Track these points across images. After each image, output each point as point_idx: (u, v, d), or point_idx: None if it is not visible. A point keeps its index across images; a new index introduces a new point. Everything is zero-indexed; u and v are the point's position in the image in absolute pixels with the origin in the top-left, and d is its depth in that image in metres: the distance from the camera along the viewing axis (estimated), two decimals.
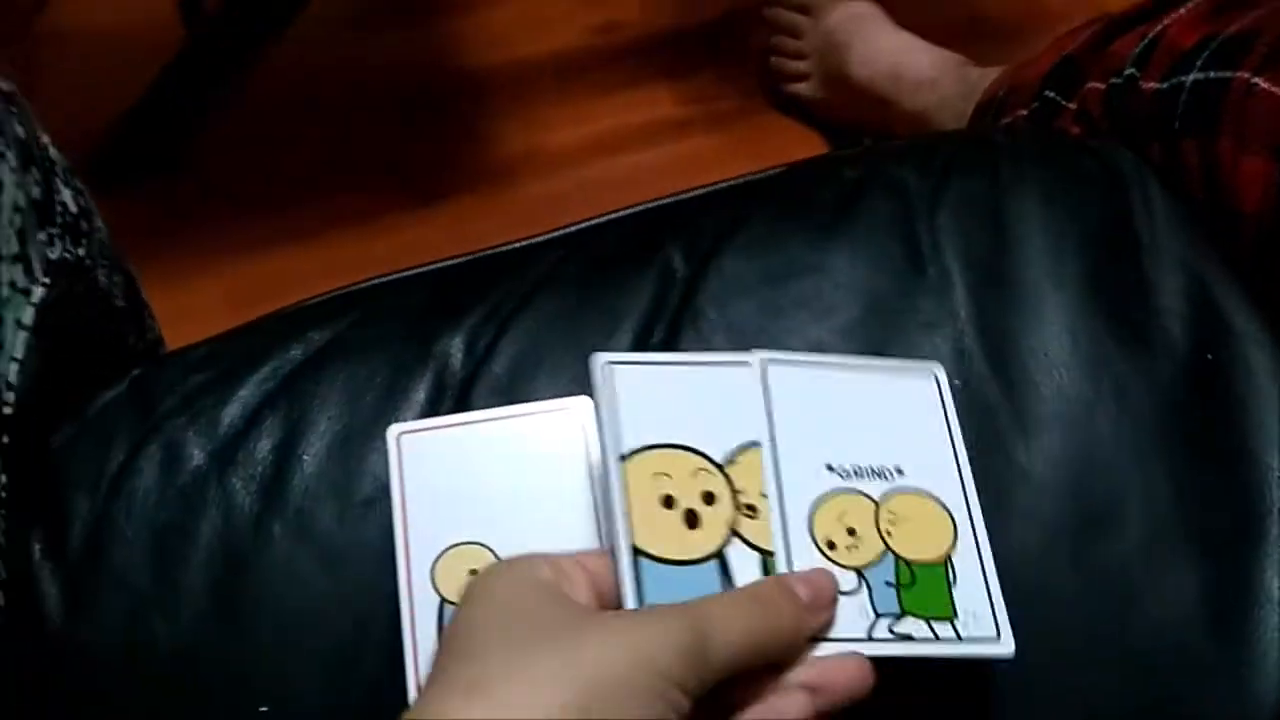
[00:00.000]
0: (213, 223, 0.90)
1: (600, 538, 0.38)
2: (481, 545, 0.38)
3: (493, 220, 0.90)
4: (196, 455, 0.42)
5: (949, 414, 0.39)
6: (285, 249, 0.89)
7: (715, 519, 0.36)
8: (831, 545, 0.36)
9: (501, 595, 0.32)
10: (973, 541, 0.37)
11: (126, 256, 0.56)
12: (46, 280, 0.44)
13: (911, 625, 0.35)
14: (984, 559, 0.37)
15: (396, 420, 0.42)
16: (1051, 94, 0.58)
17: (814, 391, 0.39)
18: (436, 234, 0.90)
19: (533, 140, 0.95)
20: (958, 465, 0.38)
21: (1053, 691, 0.38)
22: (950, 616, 0.36)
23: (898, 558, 0.36)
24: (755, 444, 0.37)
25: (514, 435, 0.40)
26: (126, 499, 0.42)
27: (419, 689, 0.35)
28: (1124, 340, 0.43)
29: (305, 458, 0.42)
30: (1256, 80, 0.45)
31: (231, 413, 0.43)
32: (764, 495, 0.36)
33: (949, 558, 0.37)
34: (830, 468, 0.37)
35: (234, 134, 0.93)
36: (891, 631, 0.35)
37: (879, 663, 0.33)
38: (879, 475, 0.38)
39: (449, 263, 0.50)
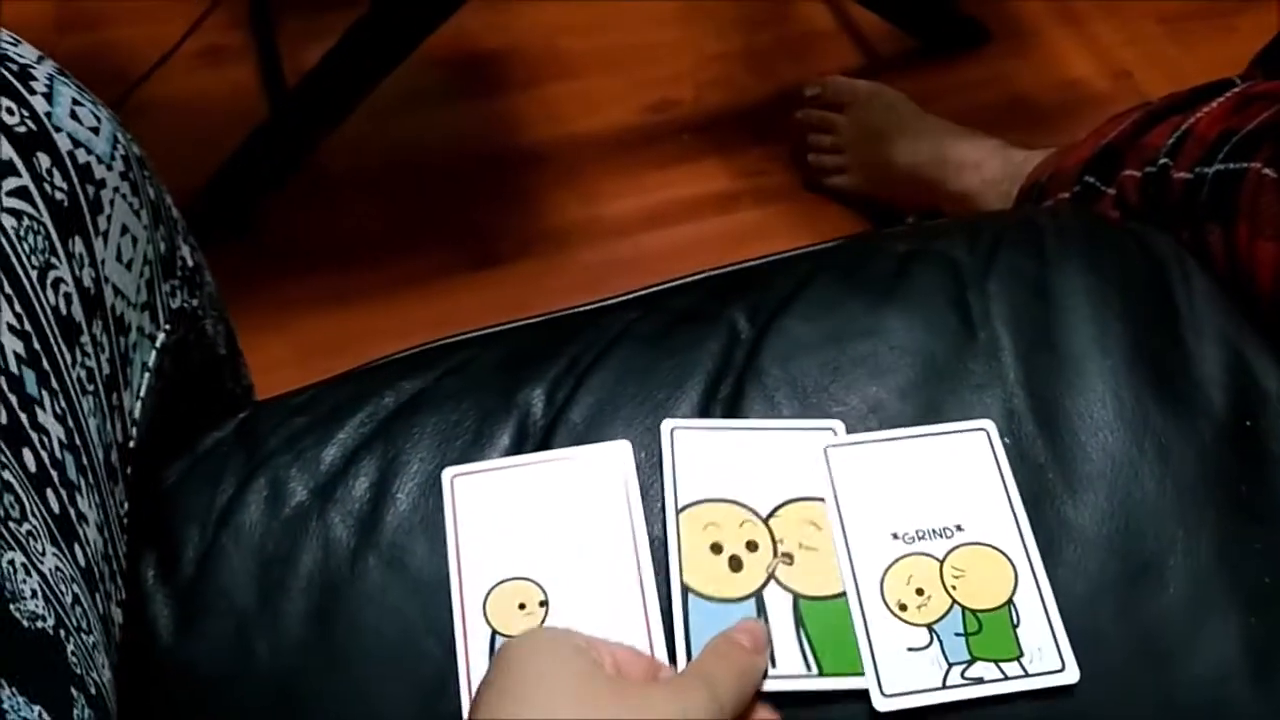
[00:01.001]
0: (283, 283, 0.94)
1: (639, 574, 0.41)
2: (529, 580, 0.42)
3: (550, 286, 0.94)
4: (299, 492, 0.46)
5: (1002, 466, 0.43)
6: (349, 309, 0.93)
7: (756, 564, 0.41)
8: (903, 607, 0.40)
9: (549, 655, 0.35)
10: (1032, 582, 0.41)
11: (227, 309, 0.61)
12: (168, 327, 0.48)
13: (982, 669, 0.39)
14: (1044, 596, 0.41)
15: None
16: (1091, 179, 0.62)
17: (873, 465, 0.43)
18: (496, 297, 0.93)
19: (589, 211, 0.99)
20: (1013, 512, 0.42)
21: None
22: (1017, 655, 0.39)
23: (964, 609, 0.40)
24: (799, 499, 0.42)
25: (559, 477, 0.44)
26: (234, 530, 0.45)
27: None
28: (1166, 404, 0.46)
29: (399, 496, 0.45)
30: (1267, 171, 0.48)
31: (331, 454, 0.47)
32: (801, 545, 0.41)
33: (1011, 601, 0.40)
34: (895, 535, 0.42)
35: (302, 199, 0.97)
36: (964, 677, 0.39)
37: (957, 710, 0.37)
38: (940, 535, 0.42)
39: (530, 320, 0.54)
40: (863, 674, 0.39)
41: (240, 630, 0.43)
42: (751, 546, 0.42)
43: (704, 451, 0.44)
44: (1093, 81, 1.08)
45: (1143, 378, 0.47)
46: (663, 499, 0.42)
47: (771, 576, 0.41)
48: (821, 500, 0.43)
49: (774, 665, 0.39)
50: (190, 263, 0.54)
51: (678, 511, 0.42)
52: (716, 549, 0.41)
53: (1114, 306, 0.49)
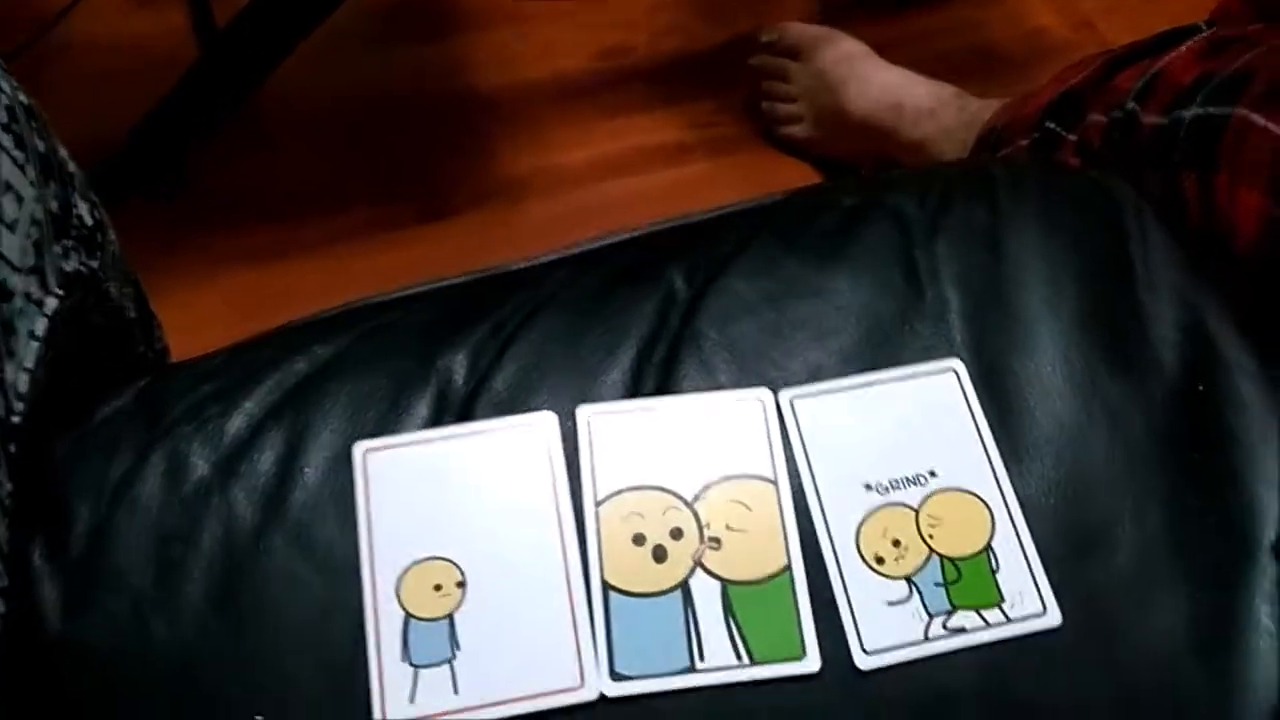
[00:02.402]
0: (217, 235, 0.91)
1: (564, 555, 0.39)
2: (446, 560, 0.39)
3: (496, 238, 0.91)
4: (200, 466, 0.43)
5: (973, 406, 0.42)
6: (290, 263, 0.90)
7: (681, 552, 0.39)
8: (880, 560, 0.39)
9: None
10: (1010, 525, 0.40)
11: (136, 268, 0.57)
12: (60, 292, 0.44)
13: (963, 618, 0.38)
14: (1022, 539, 0.40)
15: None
16: (1052, 125, 0.59)
17: (840, 416, 0.41)
18: (442, 250, 0.90)
19: (539, 161, 0.95)
20: (986, 454, 0.41)
21: (1043, 713, 0.38)
22: (997, 602, 0.39)
23: (942, 558, 0.39)
24: (727, 479, 0.41)
25: (479, 451, 0.42)
26: (130, 506, 0.42)
27: (383, 706, 0.36)
28: (1118, 368, 0.44)
29: (307, 470, 0.42)
30: (1254, 116, 0.46)
31: (236, 424, 0.44)
32: (729, 527, 0.39)
33: (989, 546, 0.40)
34: (869, 486, 0.40)
35: (240, 147, 0.93)
36: (945, 628, 0.38)
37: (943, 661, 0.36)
38: (914, 483, 0.41)
39: (453, 281, 0.51)
40: (801, 658, 0.38)
41: (136, 610, 0.40)
42: (676, 534, 0.39)
43: (625, 436, 0.41)
44: (1055, 31, 1.06)
45: (1094, 340, 0.45)
46: (580, 492, 0.40)
47: (698, 564, 0.39)
48: (752, 478, 0.41)
49: (702, 657, 0.37)
50: (89, 221, 0.50)
51: (597, 504, 0.40)
52: (639, 540, 0.39)
53: (1068, 263, 0.47)
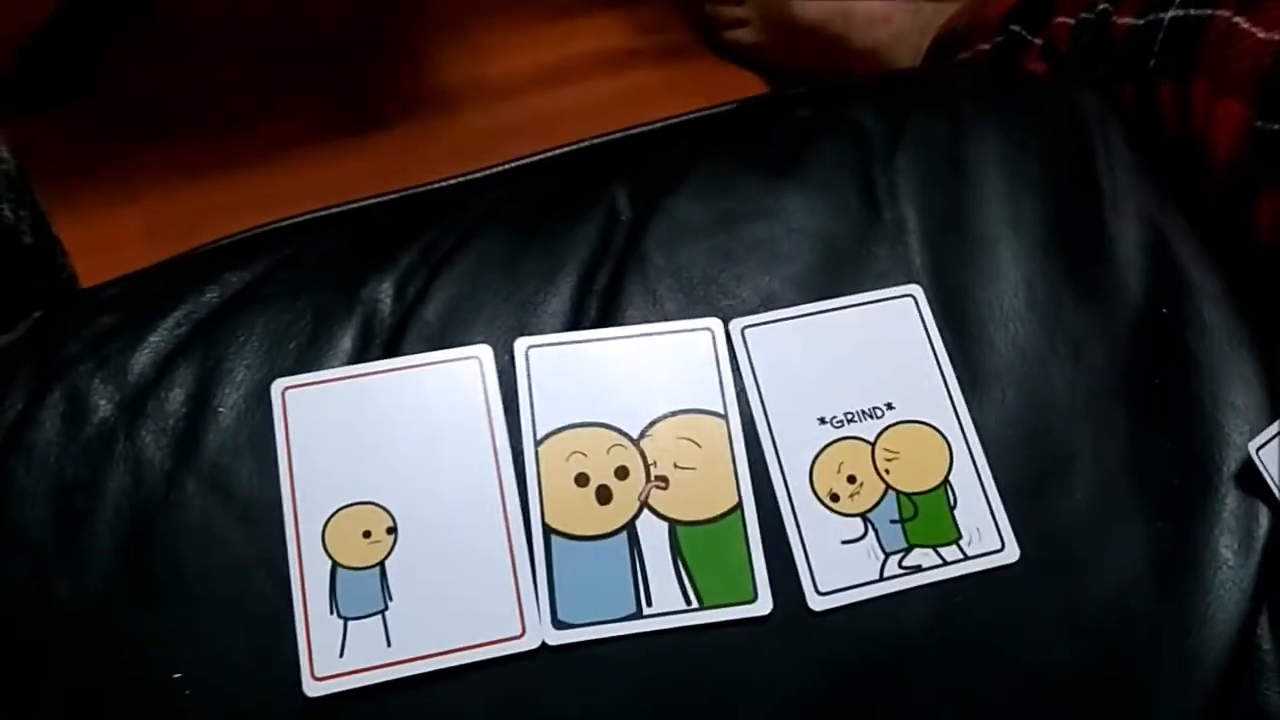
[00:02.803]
0: (132, 150, 0.85)
1: (502, 498, 0.37)
2: (376, 505, 0.37)
3: (431, 151, 0.86)
4: (103, 406, 0.39)
5: (931, 334, 0.40)
6: (210, 179, 0.85)
7: (627, 493, 0.37)
8: (835, 497, 0.37)
9: None
10: (968, 458, 0.39)
11: (34, 189, 0.52)
12: None
13: (920, 556, 0.37)
14: (980, 472, 0.38)
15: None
16: (1017, 28, 0.56)
17: (793, 346, 0.39)
18: (372, 165, 0.86)
19: (477, 68, 0.91)
20: (945, 384, 0.39)
21: (1000, 655, 0.37)
22: (955, 539, 0.37)
23: (899, 494, 0.38)
24: (674, 413, 0.38)
25: (409, 388, 0.39)
26: (25, 452, 0.39)
27: (310, 661, 0.34)
28: (1080, 293, 0.42)
29: (221, 410, 0.39)
30: (1237, 19, 0.43)
31: (141, 360, 0.40)
32: (677, 466, 0.37)
33: (947, 480, 0.38)
34: (822, 420, 0.39)
35: (156, 55, 0.87)
36: (901, 566, 0.37)
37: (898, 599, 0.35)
38: (870, 415, 0.39)
39: (378, 199, 0.47)
40: (753, 600, 0.36)
41: (37, 568, 0.37)
42: (621, 473, 0.37)
43: (566, 370, 0.39)
44: None
45: (1058, 263, 0.43)
46: (519, 430, 0.37)
47: (644, 505, 0.37)
48: (701, 412, 0.38)
49: (650, 602, 0.35)
50: None
51: (536, 443, 0.37)
52: (582, 480, 0.37)
53: (1030, 180, 0.44)
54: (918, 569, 0.37)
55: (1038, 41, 0.54)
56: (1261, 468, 0.39)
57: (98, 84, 0.86)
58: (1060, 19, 0.53)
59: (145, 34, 0.86)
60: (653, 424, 0.38)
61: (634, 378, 0.39)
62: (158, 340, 0.41)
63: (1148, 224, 0.43)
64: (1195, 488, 0.39)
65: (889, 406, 0.39)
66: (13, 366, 0.41)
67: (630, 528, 0.36)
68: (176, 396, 0.40)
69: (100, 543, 0.37)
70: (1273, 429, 0.39)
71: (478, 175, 0.48)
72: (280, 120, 0.87)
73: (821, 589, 0.36)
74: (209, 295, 0.42)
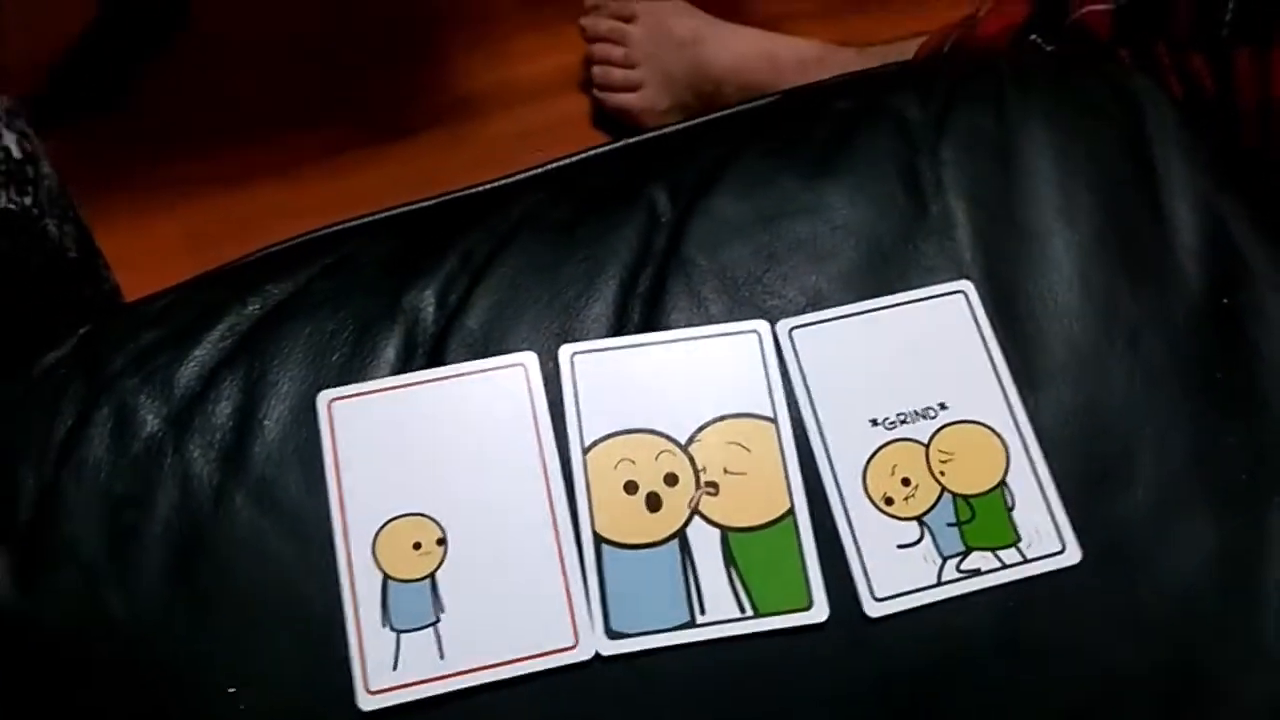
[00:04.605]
0: (169, 162, 0.86)
1: (550, 507, 0.36)
2: (425, 517, 0.37)
3: (460, 157, 0.86)
4: (150, 421, 0.39)
5: (984, 332, 0.39)
6: (245, 188, 0.86)
7: (677, 500, 0.36)
8: (889, 500, 0.37)
9: None
10: (1025, 458, 0.38)
11: (78, 205, 0.53)
12: None
13: (978, 559, 0.36)
14: (1039, 472, 0.37)
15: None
16: (1035, 38, 0.54)
17: (842, 346, 0.38)
18: (402, 171, 0.86)
19: (501, 73, 0.90)
20: (999, 383, 0.38)
21: (1064, 660, 0.36)
22: (1014, 541, 0.36)
23: (955, 496, 0.37)
24: (723, 418, 0.38)
25: (455, 397, 0.38)
26: (76, 469, 0.39)
27: (364, 674, 0.34)
28: (1138, 284, 0.41)
29: (267, 423, 0.39)
30: None
31: (187, 374, 0.40)
32: (727, 471, 0.37)
33: (1004, 481, 0.37)
34: (874, 422, 0.38)
35: (188, 68, 0.88)
36: (959, 570, 0.36)
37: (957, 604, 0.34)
38: (923, 416, 0.38)
39: (417, 206, 0.47)
40: (808, 607, 0.35)
41: (89, 583, 0.37)
42: (670, 480, 0.37)
43: (611, 376, 0.38)
44: None
45: (1113, 254, 0.41)
46: (566, 437, 0.37)
47: (695, 511, 0.36)
48: (750, 416, 0.38)
49: (703, 611, 0.35)
50: (17, 154, 0.45)
51: (584, 451, 0.37)
52: (631, 488, 0.36)
53: (1083, 170, 0.43)
54: (976, 573, 0.36)
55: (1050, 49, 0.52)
56: None
57: (129, 100, 0.87)
58: (1091, 8, 0.51)
59: (176, 49, 0.87)
60: (701, 429, 0.37)
61: (681, 382, 0.39)
62: (202, 354, 0.41)
63: (1206, 211, 0.42)
64: (1262, 482, 0.38)
65: (942, 406, 0.38)
66: (63, 383, 0.41)
67: (681, 535, 0.36)
68: (223, 410, 0.39)
69: (151, 558, 0.37)
70: None
71: (513, 179, 0.47)
72: (310, 130, 0.87)
73: (878, 595, 0.36)
74: (251, 307, 0.42)
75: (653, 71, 0.81)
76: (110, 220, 0.59)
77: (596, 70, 0.85)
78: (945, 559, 0.36)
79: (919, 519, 0.37)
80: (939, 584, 0.36)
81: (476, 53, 0.91)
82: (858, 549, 0.36)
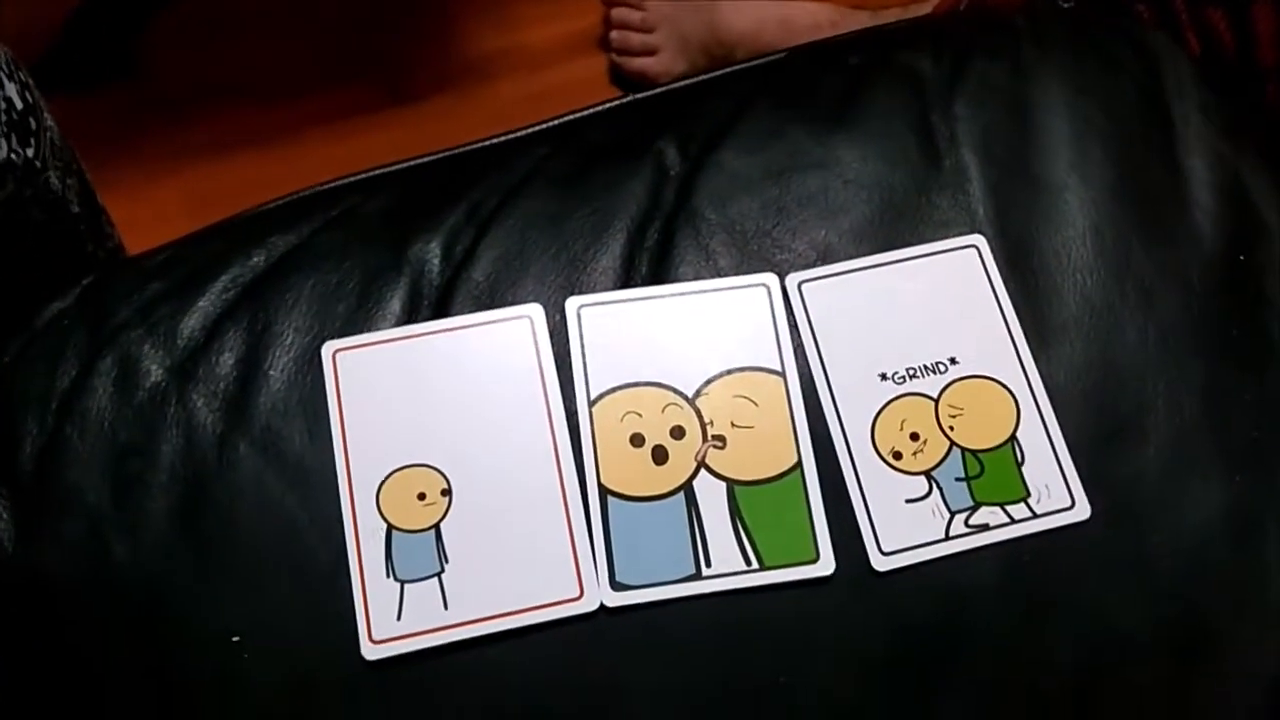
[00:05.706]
0: (171, 126, 0.86)
1: (556, 458, 0.36)
2: (429, 467, 0.36)
3: (467, 122, 0.85)
4: (154, 371, 0.39)
5: (996, 286, 0.39)
6: (248, 152, 0.85)
7: (683, 453, 0.36)
8: (898, 455, 0.36)
9: None
10: (1036, 413, 0.37)
11: (80, 159, 0.52)
12: None
13: (987, 514, 0.36)
14: (1049, 428, 0.37)
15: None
16: None
17: (852, 300, 0.38)
18: (408, 136, 0.85)
19: (509, 38, 0.90)
20: (1011, 338, 0.38)
21: (1072, 615, 0.36)
22: (1023, 496, 0.36)
23: (964, 450, 0.37)
24: (731, 371, 0.37)
25: (460, 349, 0.38)
26: (80, 418, 0.38)
27: (368, 624, 0.34)
28: (1153, 240, 0.40)
29: (271, 373, 0.39)
30: None
31: (191, 324, 0.40)
32: (734, 425, 0.36)
33: (1014, 437, 0.37)
34: (884, 376, 0.37)
35: (191, 32, 0.87)
36: (968, 525, 0.36)
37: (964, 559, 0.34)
38: (933, 371, 0.38)
39: (423, 160, 0.46)
40: (815, 560, 0.35)
41: (94, 532, 0.37)
42: (677, 433, 0.36)
43: (618, 329, 0.38)
44: None
45: (1127, 209, 0.41)
46: (573, 389, 0.37)
47: (701, 464, 0.36)
48: (758, 370, 0.37)
49: (709, 563, 0.35)
50: (19, 104, 0.45)
51: (590, 404, 0.37)
52: (637, 441, 0.36)
53: (1097, 123, 0.42)
54: (985, 528, 0.36)
55: (1067, 4, 0.51)
56: None
57: (133, 64, 0.86)
58: None
59: (180, 14, 0.86)
60: (708, 383, 0.37)
61: (688, 336, 0.38)
62: (206, 305, 0.41)
63: (1222, 167, 0.42)
64: (1275, 440, 0.38)
65: (952, 361, 0.38)
66: (66, 333, 0.40)
67: (688, 488, 0.36)
68: (226, 360, 0.39)
69: (155, 506, 0.37)
70: None
71: (521, 133, 0.47)
72: (316, 95, 0.87)
73: (885, 549, 0.35)
74: (255, 259, 0.42)
75: (669, 36, 0.82)
76: (114, 184, 0.59)
77: (615, 35, 0.85)
78: (954, 514, 0.36)
79: (927, 473, 0.36)
80: (947, 538, 0.36)
81: (485, 18, 0.90)
82: (865, 503, 0.36)
